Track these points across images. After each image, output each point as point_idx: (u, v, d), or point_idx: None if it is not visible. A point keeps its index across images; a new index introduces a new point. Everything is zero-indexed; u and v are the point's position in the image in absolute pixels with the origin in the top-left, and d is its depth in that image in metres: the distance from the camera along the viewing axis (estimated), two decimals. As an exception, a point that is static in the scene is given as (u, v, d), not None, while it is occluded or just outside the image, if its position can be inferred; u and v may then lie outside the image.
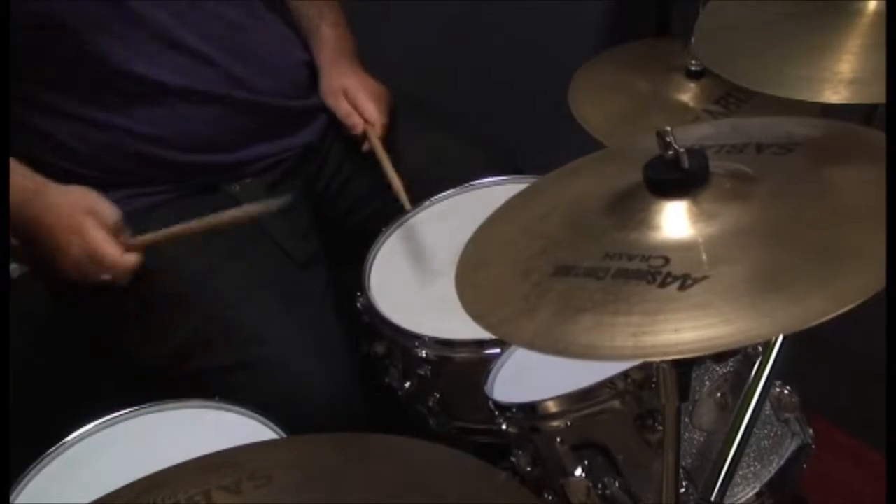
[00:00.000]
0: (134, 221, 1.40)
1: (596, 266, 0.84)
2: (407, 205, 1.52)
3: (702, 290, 0.77)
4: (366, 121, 1.59)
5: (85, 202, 1.36)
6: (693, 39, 1.27)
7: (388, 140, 1.60)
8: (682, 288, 0.78)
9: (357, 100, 1.60)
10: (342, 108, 1.61)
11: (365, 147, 1.60)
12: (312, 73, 1.65)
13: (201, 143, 1.50)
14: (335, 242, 1.62)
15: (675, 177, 0.86)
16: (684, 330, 0.75)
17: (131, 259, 1.35)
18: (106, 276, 1.36)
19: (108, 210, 1.36)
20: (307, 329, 1.41)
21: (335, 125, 1.63)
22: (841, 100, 1.00)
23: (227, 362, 1.38)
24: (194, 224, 1.37)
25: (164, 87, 1.45)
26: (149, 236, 1.38)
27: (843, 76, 1.02)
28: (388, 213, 1.55)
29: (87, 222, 1.34)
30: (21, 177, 1.36)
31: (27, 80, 1.39)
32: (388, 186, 1.53)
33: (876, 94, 1.00)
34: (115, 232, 1.35)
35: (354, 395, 1.40)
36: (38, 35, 1.37)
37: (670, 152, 0.86)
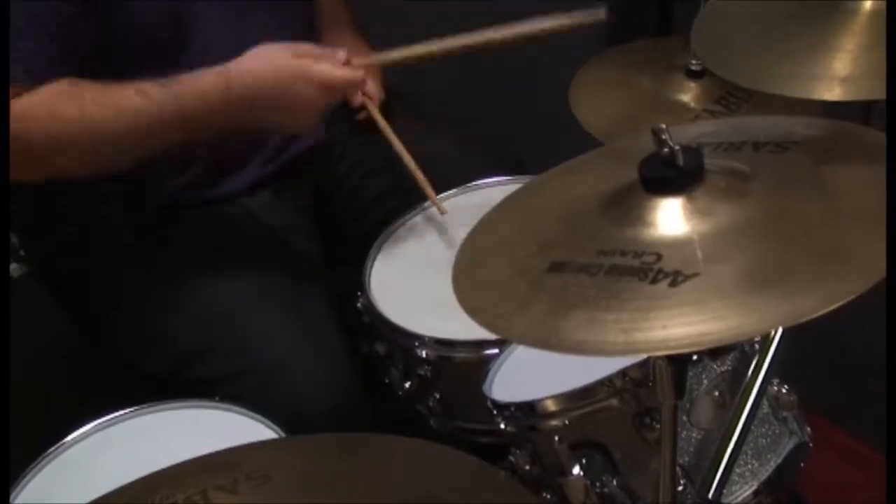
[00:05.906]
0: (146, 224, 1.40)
1: (590, 263, 0.84)
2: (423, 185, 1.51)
3: (692, 287, 0.78)
4: (364, 94, 1.54)
5: (281, 51, 1.35)
6: (692, 38, 1.27)
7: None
8: (672, 284, 0.78)
9: None
10: None
11: (362, 115, 1.58)
12: None
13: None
14: (337, 243, 1.62)
15: (669, 174, 0.86)
16: (673, 326, 0.75)
17: (359, 71, 1.40)
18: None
19: (306, 45, 1.38)
20: (309, 331, 1.41)
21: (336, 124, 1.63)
22: (835, 97, 1.01)
23: (229, 369, 1.38)
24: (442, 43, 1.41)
25: None
26: (381, 56, 1.41)
27: (836, 73, 1.02)
28: (395, 216, 1.55)
29: (302, 63, 1.34)
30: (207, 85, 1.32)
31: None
32: (400, 161, 1.51)
33: (868, 90, 1.01)
34: (325, 56, 1.37)
35: (355, 396, 1.40)
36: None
37: (665, 150, 0.86)
